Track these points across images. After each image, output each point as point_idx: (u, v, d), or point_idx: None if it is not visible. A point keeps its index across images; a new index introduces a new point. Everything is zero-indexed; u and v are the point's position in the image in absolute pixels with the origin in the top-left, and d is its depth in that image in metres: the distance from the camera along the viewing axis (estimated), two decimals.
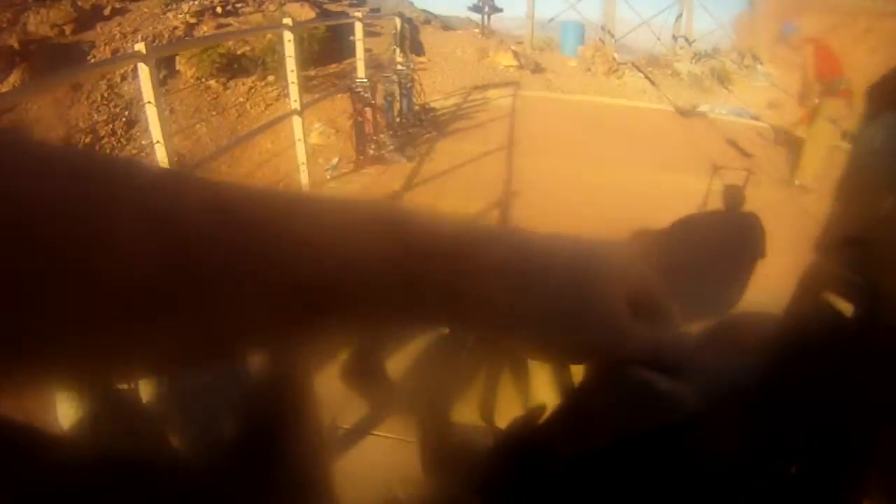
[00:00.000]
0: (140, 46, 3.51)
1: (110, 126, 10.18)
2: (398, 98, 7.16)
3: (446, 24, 17.57)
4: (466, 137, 7.34)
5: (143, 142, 8.44)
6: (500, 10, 15.74)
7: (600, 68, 13.61)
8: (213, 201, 0.29)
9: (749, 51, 16.41)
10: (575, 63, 14.27)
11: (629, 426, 0.38)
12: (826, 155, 6.26)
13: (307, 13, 12.64)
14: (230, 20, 12.32)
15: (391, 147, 6.31)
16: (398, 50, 7.70)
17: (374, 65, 8.03)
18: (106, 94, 10.48)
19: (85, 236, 0.23)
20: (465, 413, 0.46)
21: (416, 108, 7.81)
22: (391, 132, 6.64)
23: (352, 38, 7.03)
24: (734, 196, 5.84)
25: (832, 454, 0.39)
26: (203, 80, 10.68)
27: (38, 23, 11.32)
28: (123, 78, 10.25)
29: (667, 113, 10.79)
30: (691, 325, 0.51)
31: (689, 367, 0.41)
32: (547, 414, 0.41)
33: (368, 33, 9.49)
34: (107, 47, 11.28)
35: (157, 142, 3.61)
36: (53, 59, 10.29)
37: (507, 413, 0.44)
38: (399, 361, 0.47)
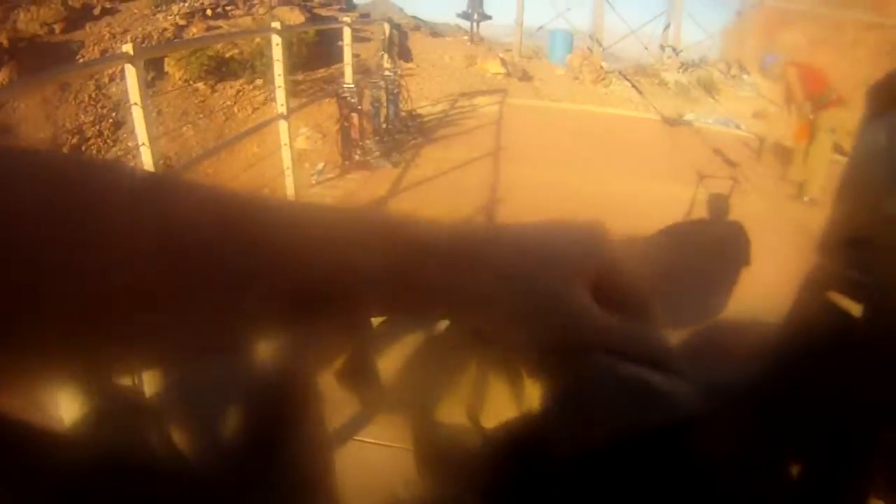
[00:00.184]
0: (127, 47, 3.49)
1: (97, 127, 10.15)
2: (385, 104, 7.17)
3: (435, 31, 17.54)
4: (453, 144, 7.36)
5: (130, 144, 8.41)
6: (489, 18, 15.77)
7: (588, 77, 13.66)
8: (214, 205, 0.30)
9: (736, 61, 16.53)
10: (563, 71, 14.30)
11: (627, 427, 0.38)
12: (830, 166, 6.37)
13: (297, 17, 12.63)
14: (220, 23, 12.29)
15: (377, 153, 6.34)
16: (386, 56, 7.70)
17: (361, 70, 8.03)
18: (94, 95, 10.45)
19: (82, 238, 0.24)
20: (460, 414, 0.45)
21: (403, 114, 7.84)
22: (377, 138, 6.66)
23: (340, 43, 7.06)
24: (719, 205, 5.92)
25: (834, 454, 0.39)
26: (191, 82, 10.65)
27: (28, 21, 11.28)
28: (111, 79, 10.20)
29: (653, 122, 10.86)
30: (681, 331, 0.51)
31: (687, 367, 0.41)
32: (542, 414, 0.41)
33: (357, 39, 9.49)
34: (96, 47, 11.25)
35: (143, 144, 3.57)
36: (42, 58, 10.23)
37: (502, 414, 0.44)
38: (392, 364, 0.47)
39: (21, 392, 0.27)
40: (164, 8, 12.31)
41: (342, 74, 7.01)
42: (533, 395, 0.41)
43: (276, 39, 5.23)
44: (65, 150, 8.80)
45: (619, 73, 14.51)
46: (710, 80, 14.79)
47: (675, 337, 0.49)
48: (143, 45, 9.29)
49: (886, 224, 0.48)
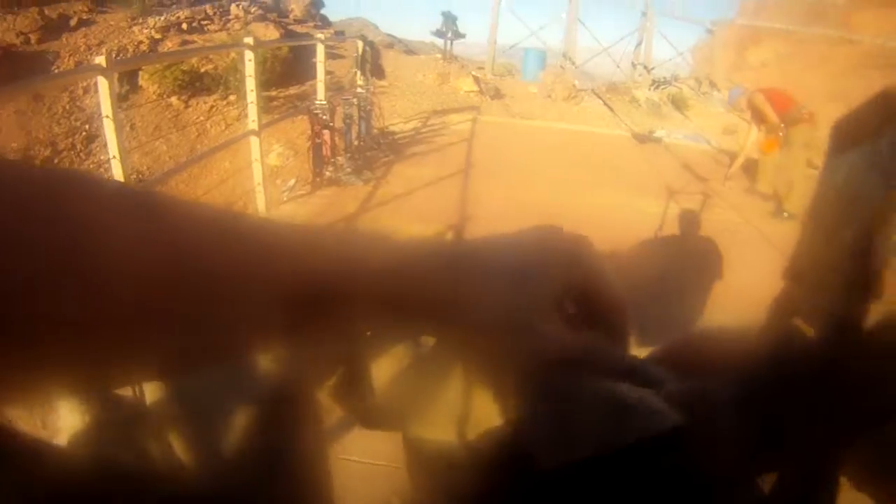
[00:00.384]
0: (101, 59, 3.43)
1: (70, 139, 10.05)
2: (357, 121, 7.16)
3: (409, 49, 17.67)
4: (424, 161, 7.39)
5: (103, 157, 8.37)
6: (463, 36, 15.79)
7: (560, 94, 13.78)
8: (214, 222, 0.31)
9: (706, 78, 16.78)
10: (535, 89, 14.43)
11: (609, 440, 0.38)
12: (807, 181, 6.51)
13: (272, 33, 12.67)
14: (195, 37, 12.28)
15: (348, 169, 6.34)
16: (359, 73, 7.69)
17: (335, 87, 8.05)
18: (67, 107, 10.34)
19: (86, 251, 0.25)
20: (447, 430, 0.46)
21: (375, 131, 7.86)
22: (349, 155, 6.67)
23: (314, 60, 7.06)
24: (690, 220, 6.00)
25: (801, 470, 0.42)
26: (165, 96, 10.63)
27: (4, 30, 11.15)
28: (86, 91, 10.10)
29: (623, 138, 10.97)
30: (653, 344, 0.53)
31: (666, 381, 0.43)
32: (525, 428, 0.41)
33: (332, 56, 9.52)
34: (71, 58, 11.17)
35: (114, 157, 3.53)
36: (17, 68, 10.10)
37: (487, 429, 0.44)
38: (382, 382, 0.48)
39: (22, 401, 0.27)
40: (140, 21, 12.26)
41: (316, 91, 7.01)
42: (515, 410, 0.42)
43: (249, 55, 5.19)
44: (37, 161, 8.74)
45: (592, 90, 14.67)
46: (680, 97, 14.98)
47: (648, 350, 0.52)
48: (118, 58, 9.26)
49: (843, 255, 0.50)
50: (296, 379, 0.47)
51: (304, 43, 10.15)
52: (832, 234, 0.53)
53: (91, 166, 9.36)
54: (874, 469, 0.44)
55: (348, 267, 0.34)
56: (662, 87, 15.49)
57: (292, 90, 10.95)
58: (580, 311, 0.42)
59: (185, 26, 12.41)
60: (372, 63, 7.88)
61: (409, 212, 5.52)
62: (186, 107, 10.73)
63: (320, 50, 6.99)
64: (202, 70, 10.77)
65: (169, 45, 11.85)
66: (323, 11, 16.55)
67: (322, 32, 8.54)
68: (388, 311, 0.36)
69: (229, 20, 13.04)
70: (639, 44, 17.27)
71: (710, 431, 0.40)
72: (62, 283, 0.24)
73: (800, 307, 0.51)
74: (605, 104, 13.91)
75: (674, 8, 19.34)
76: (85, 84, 9.99)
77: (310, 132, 6.27)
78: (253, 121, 5.30)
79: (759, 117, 6.95)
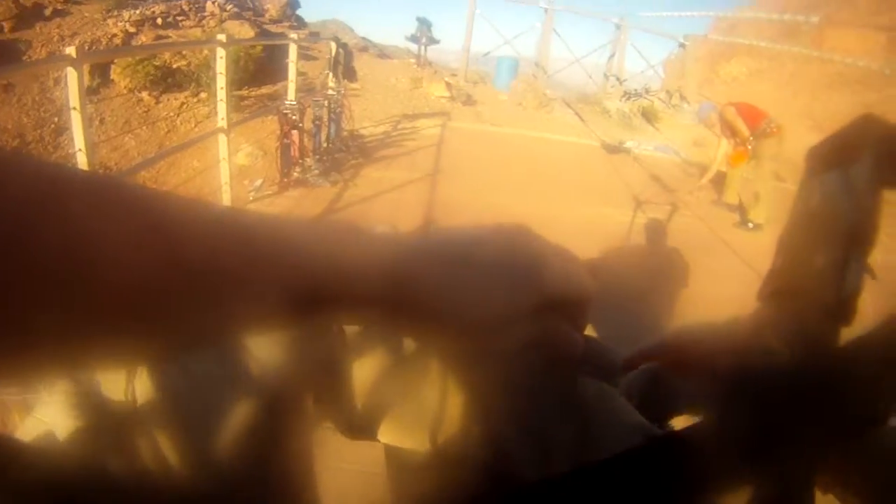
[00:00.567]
0: (70, 50, 3.39)
1: (39, 131, 9.87)
2: (327, 122, 7.18)
3: (383, 53, 17.67)
4: (392, 165, 7.43)
5: (71, 150, 8.23)
6: (438, 42, 15.87)
7: (531, 103, 13.90)
8: (210, 217, 0.32)
9: (678, 91, 16.98)
10: (506, 97, 14.55)
11: (591, 450, 0.39)
12: (774, 193, 6.70)
13: (247, 32, 12.63)
14: (170, 32, 12.19)
15: (316, 171, 6.35)
16: (331, 75, 7.69)
17: (306, 88, 8.04)
18: (38, 98, 10.14)
19: (82, 241, 0.26)
20: (429, 440, 0.46)
21: (345, 133, 7.87)
22: (317, 156, 6.67)
23: (287, 60, 7.06)
24: (657, 229, 6.10)
25: (773, 481, 0.41)
26: (136, 91, 10.53)
27: None
28: (56, 82, 9.89)
29: (593, 148, 11.08)
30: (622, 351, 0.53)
31: (650, 391, 0.44)
32: (508, 437, 0.42)
33: (305, 57, 9.51)
34: (44, 48, 10.97)
35: (80, 150, 3.50)
36: None
37: (466, 437, 0.44)
38: (365, 390, 0.48)
39: (13, 383, 0.28)
40: (115, 14, 12.12)
41: (287, 91, 7.03)
42: (496, 418, 0.43)
43: (221, 52, 5.16)
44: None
45: (562, 100, 14.80)
46: (651, 109, 15.15)
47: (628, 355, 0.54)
48: (90, 50, 9.16)
49: (816, 279, 0.51)
50: (285, 386, 0.47)
51: (276, 42, 10.10)
52: (806, 257, 0.53)
53: (58, 160, 9.22)
54: (847, 475, 0.45)
55: (343, 264, 0.34)
56: (634, 98, 15.65)
57: (264, 90, 10.92)
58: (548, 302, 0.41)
59: (159, 21, 12.30)
60: (345, 65, 7.87)
61: (375, 214, 5.53)
62: (157, 102, 10.63)
63: (293, 50, 7.00)
64: (175, 66, 10.67)
65: (143, 39, 11.73)
66: (299, 12, 16.55)
67: (297, 33, 8.50)
68: (375, 309, 0.36)
69: (205, 17, 12.95)
70: (612, 55, 17.48)
71: (690, 441, 0.40)
72: (55, 273, 0.25)
73: (772, 327, 0.51)
74: (576, 114, 14.04)
75: (648, 22, 19.59)
76: (56, 75, 9.81)
77: (278, 132, 6.25)
78: (222, 118, 5.25)
79: (729, 130, 7.08)
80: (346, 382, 0.48)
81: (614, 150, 10.95)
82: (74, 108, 3.45)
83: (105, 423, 0.44)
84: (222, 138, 5.30)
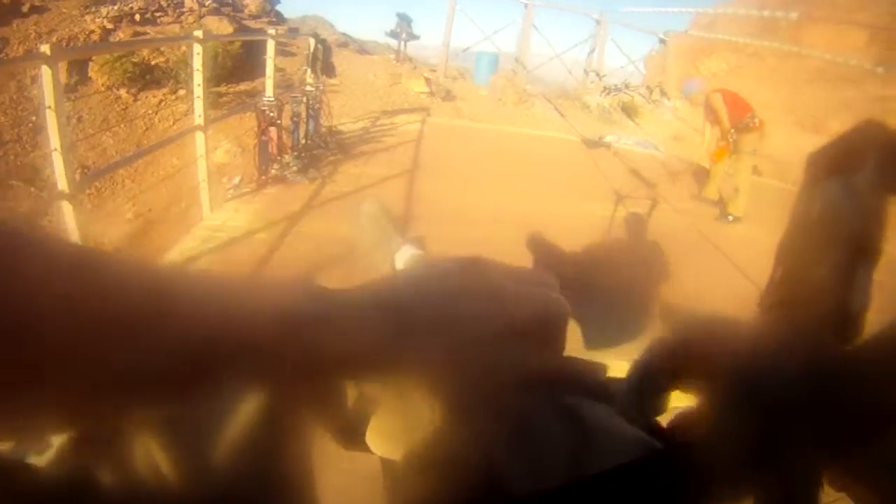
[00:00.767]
0: (45, 47, 3.35)
1: (16, 131, 9.73)
2: (305, 119, 7.17)
3: (363, 49, 17.66)
4: (371, 161, 7.43)
5: (48, 150, 8.16)
6: (417, 38, 15.87)
7: (511, 98, 13.94)
8: (136, 276, 0.31)
9: (658, 86, 17.10)
10: (486, 92, 14.58)
11: (582, 465, 0.38)
12: (752, 188, 6.84)
13: (225, 28, 12.58)
14: (148, 29, 12.11)
15: (294, 168, 6.35)
16: (309, 71, 7.69)
17: (284, 85, 8.02)
18: (15, 97, 10.00)
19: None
20: (419, 456, 0.44)
21: (323, 129, 7.87)
22: (296, 153, 6.67)
23: (265, 56, 7.05)
24: (637, 223, 6.16)
25: (777, 494, 0.40)
26: (114, 88, 10.45)
27: None
28: (34, 80, 9.65)
29: (573, 143, 11.13)
30: (603, 346, 0.55)
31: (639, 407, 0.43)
32: (499, 453, 0.41)
33: (284, 53, 9.48)
34: (21, 46, 10.79)
35: (55, 149, 3.48)
36: None
37: (458, 455, 0.43)
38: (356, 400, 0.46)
39: None
40: (93, 10, 12.00)
41: (266, 88, 7.00)
42: (489, 434, 0.42)
43: (198, 48, 5.13)
44: None
45: (543, 95, 14.86)
46: (631, 104, 15.27)
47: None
48: (68, 47, 9.10)
49: (821, 291, 0.49)
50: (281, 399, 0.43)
51: (254, 38, 10.14)
52: (809, 267, 0.52)
53: (36, 159, 9.17)
54: (859, 476, 0.43)
55: (239, 313, 0.33)
56: (614, 93, 15.74)
57: (242, 86, 10.88)
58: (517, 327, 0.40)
59: (138, 17, 12.22)
60: (324, 61, 7.85)
61: (353, 210, 5.48)
62: (135, 100, 10.55)
63: (271, 46, 7.00)
64: (153, 63, 10.62)
65: (121, 35, 11.64)
66: (279, 8, 16.48)
67: (275, 28, 8.48)
68: (311, 363, 0.34)
69: (183, 13, 12.88)
70: (591, 51, 17.53)
71: (684, 456, 0.39)
72: None
73: (776, 337, 0.48)
74: (556, 109, 14.12)
75: (628, 17, 19.65)
76: (33, 73, 9.62)
77: (256, 129, 6.25)
78: (199, 116, 5.24)
79: (713, 118, 7.15)
80: (339, 391, 0.44)
81: (594, 144, 10.99)
82: (49, 107, 3.42)
83: (96, 432, 0.41)
84: (199, 136, 5.29)
